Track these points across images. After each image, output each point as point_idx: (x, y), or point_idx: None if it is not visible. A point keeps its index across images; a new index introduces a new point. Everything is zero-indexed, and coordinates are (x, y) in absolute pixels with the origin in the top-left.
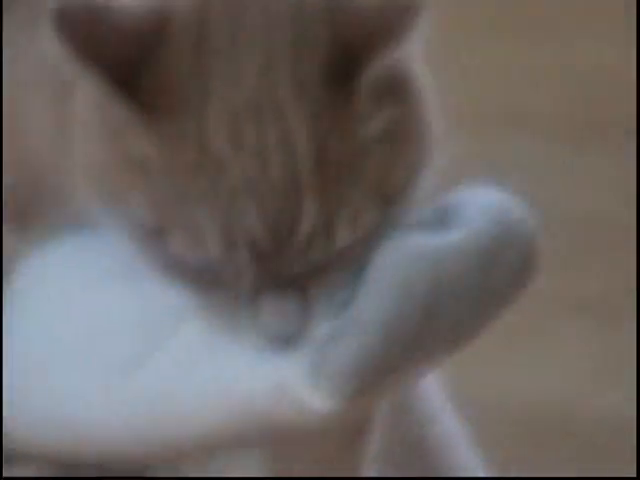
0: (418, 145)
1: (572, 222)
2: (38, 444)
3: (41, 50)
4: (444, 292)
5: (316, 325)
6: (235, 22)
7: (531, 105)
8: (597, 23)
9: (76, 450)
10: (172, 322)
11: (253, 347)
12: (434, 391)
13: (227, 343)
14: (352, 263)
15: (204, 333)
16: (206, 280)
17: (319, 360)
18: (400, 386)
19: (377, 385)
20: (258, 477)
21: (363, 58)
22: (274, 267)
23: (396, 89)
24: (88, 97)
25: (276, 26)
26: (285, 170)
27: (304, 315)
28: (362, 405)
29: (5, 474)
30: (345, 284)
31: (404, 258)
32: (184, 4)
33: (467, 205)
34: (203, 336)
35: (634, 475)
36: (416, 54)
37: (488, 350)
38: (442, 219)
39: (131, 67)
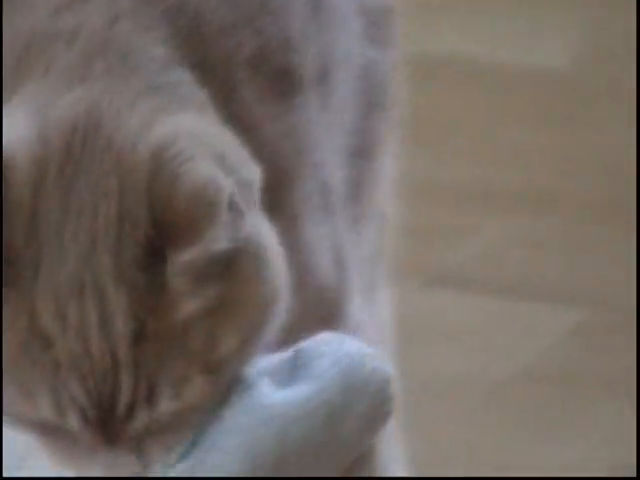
0: (251, 314)
1: None
2: None
3: None
4: (291, 453)
5: (153, 471)
6: (66, 193)
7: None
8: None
9: None
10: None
11: None
12: None
13: None
14: (188, 423)
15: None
16: (46, 431)
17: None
18: None
19: None
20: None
21: (172, 245)
22: (105, 431)
23: (220, 267)
24: None
25: (103, 203)
26: (103, 347)
27: (141, 465)
28: None
29: None
30: (183, 439)
31: (251, 421)
32: (22, 171)
33: (319, 355)
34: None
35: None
36: (257, 221)
37: None
38: (292, 368)
39: None
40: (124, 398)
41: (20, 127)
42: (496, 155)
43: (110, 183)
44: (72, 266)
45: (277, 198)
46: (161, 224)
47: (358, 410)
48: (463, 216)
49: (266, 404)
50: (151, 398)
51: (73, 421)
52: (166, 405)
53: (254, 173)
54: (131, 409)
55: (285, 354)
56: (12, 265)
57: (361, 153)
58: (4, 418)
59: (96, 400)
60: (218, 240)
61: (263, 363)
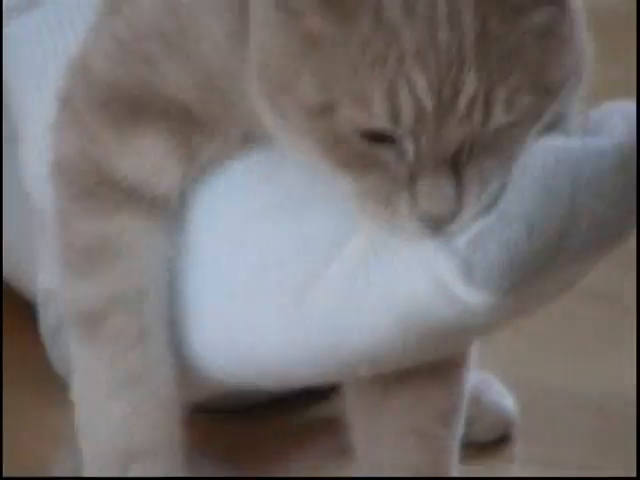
0: (571, 48)
1: None
2: (221, 371)
3: None
4: (586, 192)
5: (469, 212)
6: None
7: None
8: None
9: (255, 375)
10: (336, 241)
11: (411, 243)
12: None
13: (388, 253)
14: (504, 153)
15: (366, 246)
16: (366, 164)
17: (470, 256)
18: (549, 294)
19: (526, 282)
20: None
21: None
22: (434, 141)
23: None
24: None
25: None
26: (451, 39)
27: (459, 198)
28: (515, 305)
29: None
30: (496, 175)
31: (549, 157)
32: None
33: (610, 114)
34: (366, 250)
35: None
36: None
37: None
38: (585, 128)
39: None
40: (466, 95)
41: None
42: None
43: None
44: None
45: None
46: None
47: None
48: None
49: (566, 145)
50: (488, 102)
51: (408, 120)
52: (498, 117)
53: None
54: (469, 109)
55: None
56: None
57: None
58: (327, 160)
59: (436, 94)
60: None
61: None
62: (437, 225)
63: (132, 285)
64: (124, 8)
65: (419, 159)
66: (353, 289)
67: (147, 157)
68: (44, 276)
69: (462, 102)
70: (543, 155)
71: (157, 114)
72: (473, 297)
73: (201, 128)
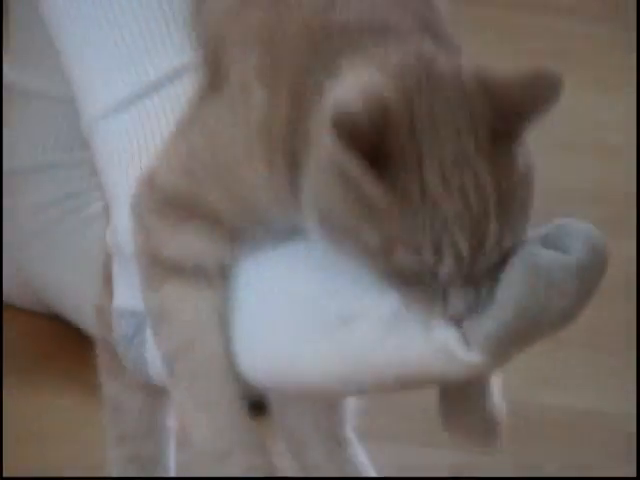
0: (533, 175)
1: None
2: (261, 376)
3: (252, 119)
4: (556, 289)
5: (483, 306)
6: (429, 108)
7: None
8: None
9: (288, 382)
10: (373, 297)
11: (433, 323)
12: None
13: (411, 321)
14: (503, 262)
15: (397, 311)
16: (409, 282)
17: (473, 329)
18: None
19: (513, 346)
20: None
21: (517, 124)
22: (466, 269)
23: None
24: (324, 157)
25: (457, 107)
26: (479, 203)
27: (477, 299)
28: (502, 361)
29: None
30: (499, 275)
31: (532, 260)
32: (394, 100)
33: (568, 233)
34: (396, 313)
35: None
36: None
37: None
38: (546, 239)
39: (377, 151)
40: (490, 242)
41: (374, 75)
42: None
43: (457, 96)
44: (448, 150)
45: None
46: (501, 112)
47: (598, 275)
48: None
49: (540, 254)
50: (501, 240)
51: (449, 261)
52: (507, 245)
53: None
54: (491, 249)
55: (544, 229)
56: (399, 156)
57: None
58: (379, 278)
59: (470, 244)
60: (542, 116)
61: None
62: (460, 319)
63: (188, 334)
64: (189, 134)
65: (452, 280)
66: (373, 342)
67: (192, 245)
68: (118, 296)
69: (488, 246)
70: (527, 259)
71: (204, 218)
72: (472, 358)
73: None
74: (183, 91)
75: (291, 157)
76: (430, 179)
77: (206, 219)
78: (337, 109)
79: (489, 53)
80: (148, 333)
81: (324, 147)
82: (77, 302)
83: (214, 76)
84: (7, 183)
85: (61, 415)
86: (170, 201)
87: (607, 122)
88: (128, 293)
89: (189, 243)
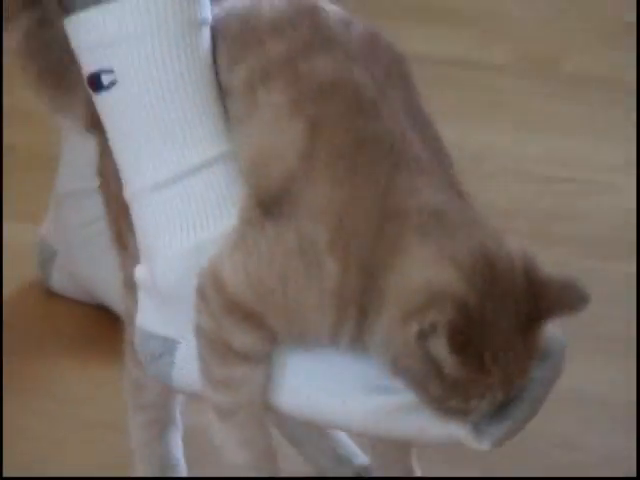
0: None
1: None
2: (296, 414)
3: (326, 285)
4: (543, 394)
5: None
6: (493, 303)
7: None
8: None
9: (320, 420)
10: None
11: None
12: None
13: (429, 414)
14: None
15: (417, 403)
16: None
17: (490, 427)
18: None
19: (516, 433)
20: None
21: (548, 318)
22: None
23: None
24: (404, 340)
25: (510, 301)
26: (516, 373)
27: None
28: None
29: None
30: None
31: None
32: (472, 301)
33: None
34: (415, 404)
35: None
36: None
37: None
38: None
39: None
40: (516, 391)
41: (449, 271)
42: None
43: (511, 291)
44: (501, 337)
45: None
46: (539, 307)
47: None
48: None
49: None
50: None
51: (485, 408)
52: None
53: None
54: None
55: None
56: (472, 344)
57: None
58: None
59: (504, 398)
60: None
61: None
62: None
63: (251, 394)
64: (256, 257)
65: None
66: (400, 413)
67: (255, 343)
68: (145, 319)
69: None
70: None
71: (264, 326)
72: (482, 448)
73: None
74: (218, 177)
75: (361, 310)
76: (487, 359)
77: (264, 327)
78: (438, 315)
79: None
80: (180, 359)
81: (401, 332)
82: (115, 295)
83: (274, 205)
84: (61, 204)
85: (103, 382)
86: (239, 307)
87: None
88: (159, 320)
89: (253, 341)
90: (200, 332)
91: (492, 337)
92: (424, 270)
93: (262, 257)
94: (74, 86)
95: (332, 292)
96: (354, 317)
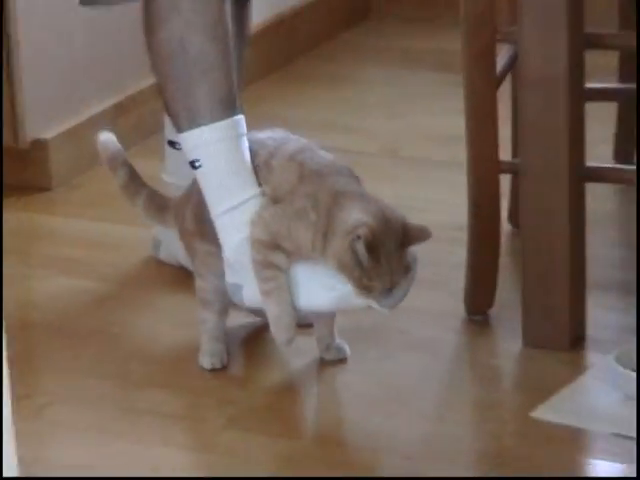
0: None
1: None
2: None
3: (310, 223)
4: None
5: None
6: (386, 233)
7: None
8: None
9: (313, 306)
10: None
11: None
12: None
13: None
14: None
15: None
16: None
17: (384, 301)
18: None
19: None
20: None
21: (409, 242)
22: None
23: None
24: (343, 247)
25: (393, 233)
26: (398, 273)
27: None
28: None
29: None
30: None
31: None
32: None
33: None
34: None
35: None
36: None
37: None
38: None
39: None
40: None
41: (365, 215)
42: None
43: (395, 229)
44: (389, 252)
45: None
46: (405, 236)
47: None
48: None
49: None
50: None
51: (383, 291)
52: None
53: None
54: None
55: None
56: (376, 253)
57: None
58: None
59: (391, 284)
60: None
61: None
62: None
63: (281, 284)
64: (272, 221)
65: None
66: (345, 299)
67: (281, 259)
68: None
69: (397, 280)
70: None
71: (283, 249)
72: (380, 309)
73: None
74: (256, 206)
75: (324, 237)
76: (382, 258)
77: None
78: (364, 231)
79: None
80: (244, 293)
81: (342, 241)
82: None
83: (278, 200)
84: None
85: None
86: (270, 243)
87: None
88: (230, 276)
89: (279, 258)
90: (255, 261)
91: (384, 247)
92: (354, 214)
93: (275, 218)
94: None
95: (312, 227)
96: (321, 239)
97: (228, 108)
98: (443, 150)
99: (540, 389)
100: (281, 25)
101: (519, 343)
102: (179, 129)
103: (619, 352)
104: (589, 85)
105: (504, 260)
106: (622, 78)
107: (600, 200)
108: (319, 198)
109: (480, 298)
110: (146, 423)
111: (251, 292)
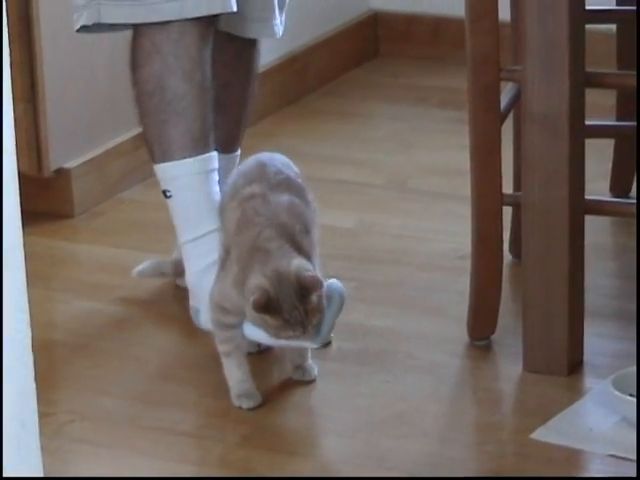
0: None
1: None
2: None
3: (232, 275)
4: None
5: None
6: (283, 290)
7: None
8: None
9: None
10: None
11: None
12: None
13: None
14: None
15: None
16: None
17: (315, 339)
18: None
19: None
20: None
21: (306, 292)
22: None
23: None
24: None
25: (289, 286)
26: (302, 319)
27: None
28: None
29: None
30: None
31: None
32: (272, 290)
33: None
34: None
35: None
36: None
37: None
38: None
39: (272, 309)
40: (308, 324)
41: (263, 279)
42: None
43: (290, 282)
44: (290, 304)
45: None
46: (303, 290)
47: None
48: None
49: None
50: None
51: (296, 334)
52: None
53: None
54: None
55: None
56: (277, 309)
57: None
58: None
59: (301, 330)
60: None
61: None
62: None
63: (236, 343)
64: (221, 280)
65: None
66: (275, 340)
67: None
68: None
69: (307, 325)
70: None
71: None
72: (312, 345)
73: None
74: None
75: (243, 295)
76: (285, 313)
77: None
78: (256, 297)
79: None
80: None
81: (248, 305)
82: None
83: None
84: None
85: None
86: (221, 306)
87: None
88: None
89: (230, 319)
90: (212, 321)
91: (285, 303)
92: (252, 278)
93: (219, 279)
94: None
95: (235, 280)
96: (242, 298)
97: (199, 146)
98: (448, 183)
99: (540, 412)
100: (294, 62)
101: (520, 368)
102: (153, 160)
103: (616, 377)
104: (588, 122)
105: (506, 288)
106: (619, 116)
107: (598, 232)
108: (241, 254)
109: (482, 324)
110: (163, 440)
111: (207, 317)
